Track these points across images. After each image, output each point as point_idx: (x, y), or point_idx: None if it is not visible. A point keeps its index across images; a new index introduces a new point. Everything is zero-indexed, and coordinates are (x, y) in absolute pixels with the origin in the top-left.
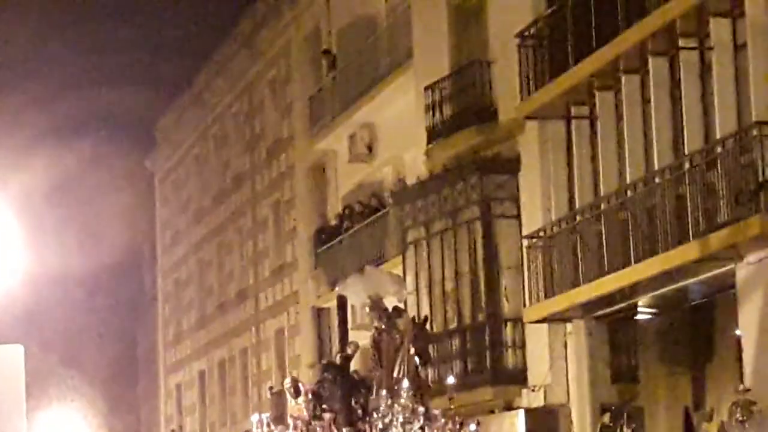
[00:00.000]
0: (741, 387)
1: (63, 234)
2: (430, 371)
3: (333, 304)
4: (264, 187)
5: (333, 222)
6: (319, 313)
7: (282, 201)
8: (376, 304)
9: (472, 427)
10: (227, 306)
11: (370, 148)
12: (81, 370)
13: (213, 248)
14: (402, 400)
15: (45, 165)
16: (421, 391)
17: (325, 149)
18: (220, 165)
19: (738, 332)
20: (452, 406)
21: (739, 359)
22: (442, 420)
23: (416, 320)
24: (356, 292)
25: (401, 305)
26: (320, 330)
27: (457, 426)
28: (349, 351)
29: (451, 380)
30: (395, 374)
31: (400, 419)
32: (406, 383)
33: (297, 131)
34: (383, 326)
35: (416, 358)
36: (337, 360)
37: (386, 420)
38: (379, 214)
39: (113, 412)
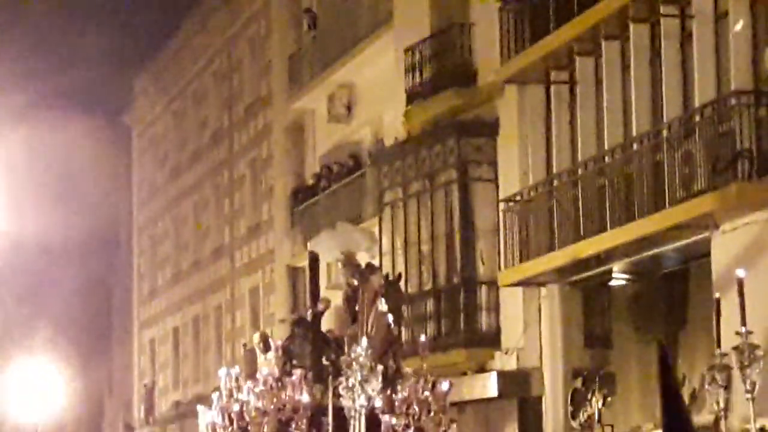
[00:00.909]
0: (718, 351)
1: (39, 187)
2: (404, 331)
3: (308, 263)
4: (241, 145)
5: (310, 181)
6: (294, 272)
7: (259, 159)
8: (349, 261)
9: (445, 386)
10: (202, 262)
11: (348, 109)
12: (55, 323)
13: (189, 205)
14: (361, 359)
15: (20, 119)
16: (393, 350)
17: (304, 108)
18: (198, 122)
19: (717, 295)
20: (425, 366)
21: (717, 323)
22: (413, 379)
23: (389, 278)
24: (328, 248)
25: (374, 262)
26: (295, 289)
27: (430, 385)
28: (320, 307)
29: (423, 339)
30: (367, 331)
31: (359, 377)
32: (364, 341)
33: (276, 90)
34: (356, 283)
35: (388, 316)
36: (308, 316)
37: (350, 379)
38: (356, 174)
39: (86, 366)
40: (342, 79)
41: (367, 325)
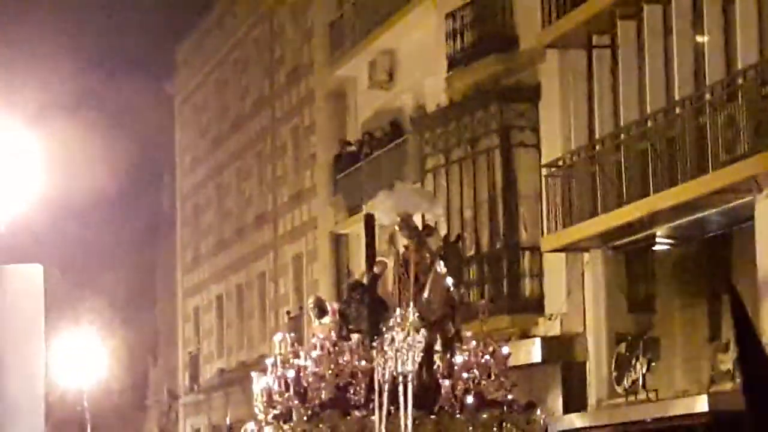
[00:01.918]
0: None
1: (83, 156)
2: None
3: (351, 230)
4: (283, 112)
5: (352, 148)
6: (337, 239)
7: (301, 127)
8: (406, 222)
9: (505, 350)
10: (245, 231)
11: (390, 75)
12: (99, 292)
13: (232, 173)
14: (409, 323)
15: (65, 87)
16: (452, 313)
17: (345, 75)
18: (240, 90)
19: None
20: (485, 328)
21: None
22: (473, 342)
23: (448, 239)
24: (386, 210)
25: (433, 223)
26: (338, 256)
27: (490, 348)
28: (376, 270)
29: (483, 301)
30: (425, 295)
31: (403, 341)
32: (411, 309)
33: (317, 57)
34: (413, 245)
35: (447, 278)
36: (364, 280)
37: (394, 345)
38: (398, 140)
39: (131, 335)
40: (383, 46)
41: (425, 288)
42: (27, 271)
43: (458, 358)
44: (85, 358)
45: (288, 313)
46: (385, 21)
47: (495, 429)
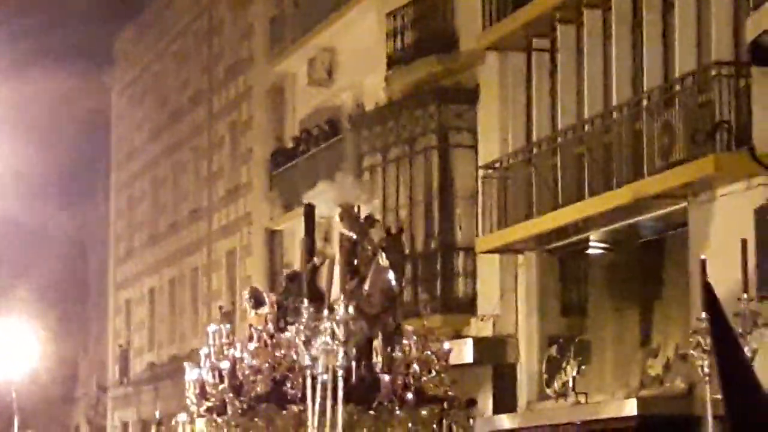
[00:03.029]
0: (704, 314)
1: (17, 146)
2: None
3: (286, 226)
4: (221, 107)
5: (289, 145)
6: (272, 235)
7: (239, 122)
8: (348, 213)
9: (446, 345)
10: (180, 225)
11: (329, 73)
12: (31, 283)
13: (168, 166)
14: (339, 317)
15: (1, 78)
16: (393, 307)
17: (285, 72)
18: (178, 83)
19: (703, 257)
20: (426, 323)
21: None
22: (414, 338)
23: (390, 231)
24: (326, 200)
25: (373, 215)
26: (272, 252)
27: (429, 344)
28: (316, 262)
29: (424, 295)
30: (366, 288)
31: (341, 338)
32: (341, 300)
33: (256, 52)
34: (355, 236)
35: (389, 271)
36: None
37: (309, 331)
38: (335, 138)
39: (63, 327)
40: (323, 43)
41: (366, 281)
42: None
43: (398, 354)
44: (14, 348)
45: (221, 308)
46: (325, 18)
47: (435, 426)
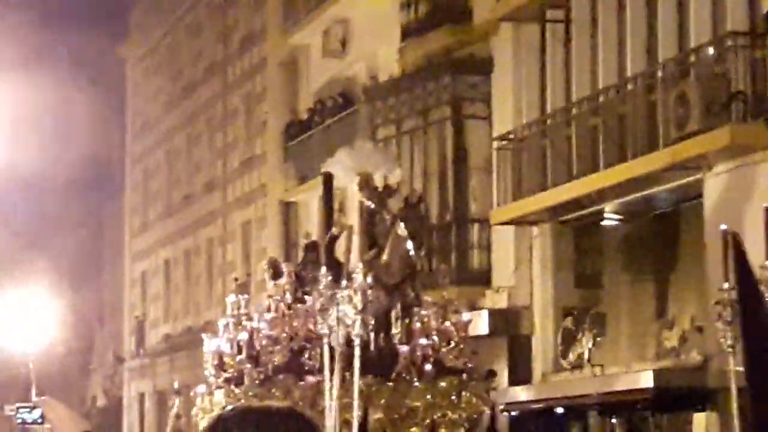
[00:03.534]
0: (726, 285)
1: (34, 118)
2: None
3: (301, 197)
4: (235, 78)
5: (304, 116)
6: (287, 207)
7: (253, 93)
8: (366, 182)
9: (466, 316)
10: (195, 196)
11: (343, 44)
12: (47, 254)
13: (182, 138)
14: (356, 285)
15: (15, 49)
16: (412, 277)
17: (299, 43)
18: (192, 55)
19: (724, 226)
20: (445, 294)
21: (725, 258)
22: (434, 308)
23: (409, 200)
24: (345, 168)
25: (393, 184)
26: (287, 223)
27: (450, 314)
28: (334, 231)
29: (442, 266)
30: (385, 257)
31: (358, 306)
32: (359, 267)
33: (270, 24)
34: (373, 206)
35: (408, 241)
36: (321, 241)
37: (326, 300)
38: (350, 110)
39: (78, 298)
40: (337, 15)
41: (385, 250)
42: None
43: (417, 324)
44: (31, 319)
45: (236, 279)
46: None
47: (454, 397)
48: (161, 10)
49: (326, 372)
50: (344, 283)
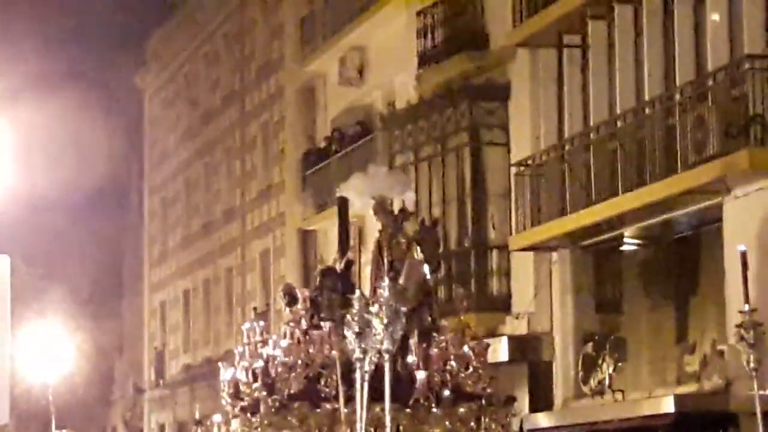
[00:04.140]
0: (747, 307)
1: (51, 148)
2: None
3: (319, 226)
4: (253, 107)
5: (321, 144)
6: (305, 235)
7: (271, 122)
8: (381, 205)
9: (485, 341)
10: (213, 225)
11: (360, 72)
12: (65, 285)
13: (200, 167)
14: (382, 299)
15: (34, 78)
16: (429, 301)
17: (316, 71)
18: (210, 84)
19: (742, 247)
20: (463, 318)
21: (745, 279)
22: (450, 334)
23: (425, 223)
24: (359, 193)
25: (409, 207)
26: (305, 252)
27: (468, 340)
28: (350, 257)
29: (460, 290)
30: (401, 282)
31: (384, 320)
32: (386, 281)
33: (287, 53)
34: (389, 230)
35: (424, 265)
36: (337, 267)
37: (362, 322)
38: (367, 137)
39: (97, 329)
40: (354, 42)
41: (401, 275)
42: None
43: (434, 350)
44: (50, 351)
45: (255, 309)
46: (356, 17)
47: (473, 424)
48: (178, 40)
49: (340, 395)
50: (375, 307)
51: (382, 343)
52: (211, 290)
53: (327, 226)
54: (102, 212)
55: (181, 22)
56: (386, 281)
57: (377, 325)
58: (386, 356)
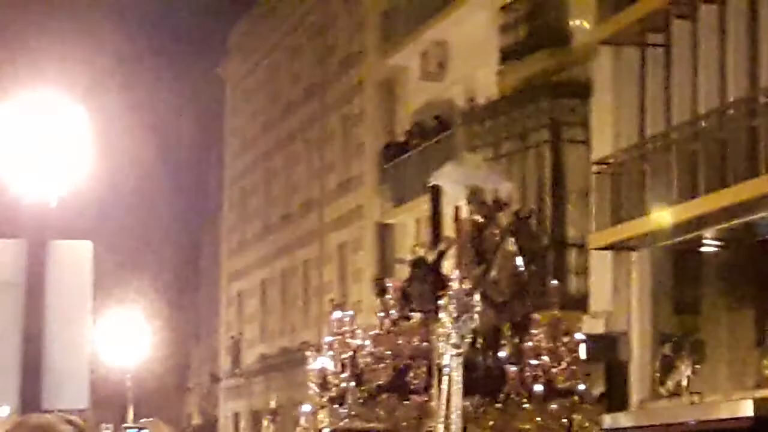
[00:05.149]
0: None
1: (133, 136)
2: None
3: (397, 220)
4: (334, 100)
5: (401, 138)
6: (383, 229)
7: (351, 115)
8: (476, 195)
9: (579, 335)
10: (291, 217)
11: (441, 66)
12: (145, 272)
13: (280, 158)
14: (452, 291)
15: (117, 69)
16: (523, 294)
17: (397, 65)
18: (291, 76)
19: None
20: (556, 312)
21: None
22: (545, 327)
23: (519, 215)
24: (453, 182)
25: (503, 197)
26: (383, 245)
27: (561, 334)
28: (442, 247)
29: (553, 282)
30: (494, 274)
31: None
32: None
33: (369, 46)
34: (482, 220)
35: (518, 257)
36: (429, 256)
37: (455, 308)
38: (447, 132)
39: (175, 316)
40: (436, 37)
41: (492, 267)
42: (77, 247)
43: (527, 344)
44: (129, 337)
45: (331, 300)
46: (438, 12)
47: (564, 420)
48: (261, 32)
49: (434, 388)
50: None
51: (450, 338)
52: (288, 281)
53: (405, 220)
54: (181, 201)
55: (264, 14)
56: (456, 274)
57: (446, 319)
58: (452, 351)
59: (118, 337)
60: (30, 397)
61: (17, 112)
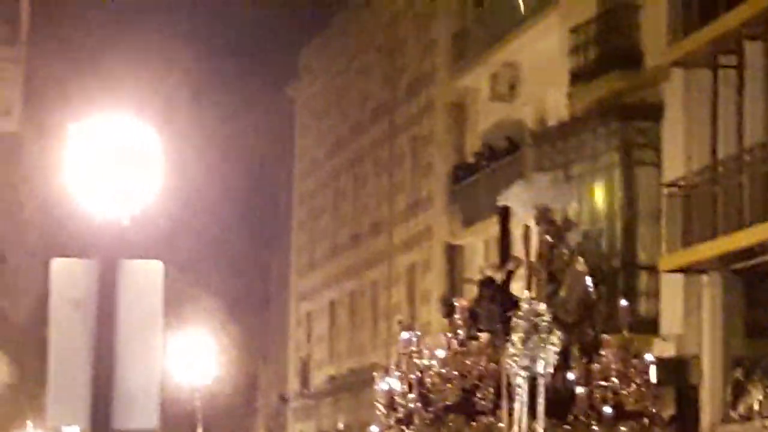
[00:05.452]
0: None
1: (203, 156)
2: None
3: (466, 241)
4: (403, 121)
5: (470, 159)
6: (452, 250)
7: (420, 136)
8: (544, 215)
9: (648, 357)
10: (361, 237)
11: (511, 88)
12: (214, 292)
13: (349, 179)
14: (541, 311)
15: (187, 89)
16: (592, 314)
17: (467, 86)
18: (360, 97)
19: None
20: (626, 333)
21: None
22: (614, 349)
23: (589, 235)
24: (522, 201)
25: (572, 218)
26: (452, 267)
27: (631, 356)
28: (510, 267)
29: (624, 302)
30: (563, 294)
31: (543, 328)
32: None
33: (439, 67)
34: (551, 240)
35: (587, 277)
36: (497, 276)
37: (525, 329)
38: (517, 153)
39: (243, 337)
40: (506, 58)
41: (562, 286)
42: (148, 267)
43: (596, 365)
44: (199, 356)
45: (400, 322)
46: (508, 33)
47: None
48: (331, 53)
49: (504, 410)
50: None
51: (535, 363)
52: (357, 302)
53: (474, 242)
54: (251, 220)
55: (334, 35)
56: (526, 294)
57: (516, 340)
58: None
59: (187, 357)
60: (100, 417)
61: (91, 132)
